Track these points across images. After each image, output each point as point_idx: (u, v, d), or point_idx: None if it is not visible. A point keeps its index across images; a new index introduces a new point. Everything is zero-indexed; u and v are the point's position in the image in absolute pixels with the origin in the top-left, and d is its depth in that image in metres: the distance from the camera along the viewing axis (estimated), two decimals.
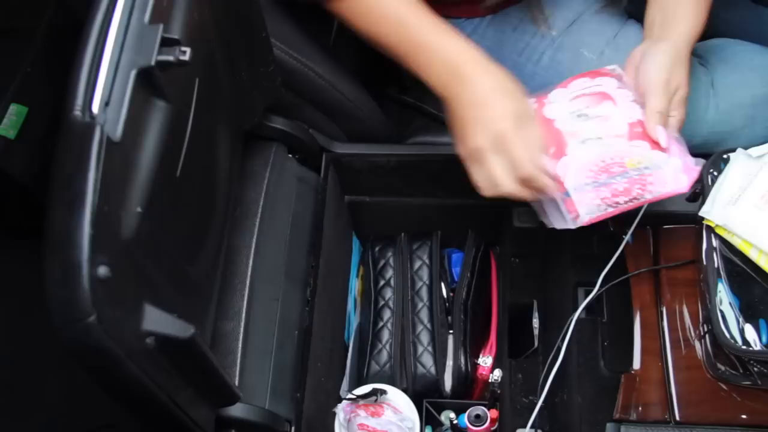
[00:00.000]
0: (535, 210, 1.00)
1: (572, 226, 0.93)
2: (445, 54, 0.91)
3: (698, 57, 1.16)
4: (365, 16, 0.95)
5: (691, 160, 0.93)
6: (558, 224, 0.95)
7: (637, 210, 0.99)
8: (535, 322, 1.11)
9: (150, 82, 0.63)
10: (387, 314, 1.16)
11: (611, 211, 0.91)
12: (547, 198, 0.93)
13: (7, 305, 1.48)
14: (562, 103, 0.94)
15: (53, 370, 1.36)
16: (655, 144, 0.90)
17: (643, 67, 0.94)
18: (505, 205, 1.19)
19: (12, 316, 1.47)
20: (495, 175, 0.90)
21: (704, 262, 0.88)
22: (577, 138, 0.91)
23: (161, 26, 0.63)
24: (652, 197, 0.91)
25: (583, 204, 0.91)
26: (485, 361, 1.14)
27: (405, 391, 1.09)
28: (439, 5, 1.11)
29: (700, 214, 0.90)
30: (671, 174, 0.91)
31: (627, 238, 1.01)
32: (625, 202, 0.91)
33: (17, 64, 1.29)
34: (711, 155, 0.94)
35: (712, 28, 1.29)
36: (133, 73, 0.61)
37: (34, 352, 1.40)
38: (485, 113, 0.89)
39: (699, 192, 0.93)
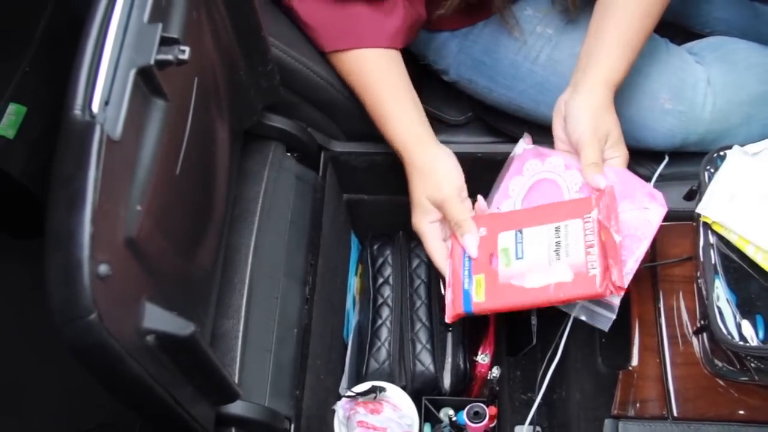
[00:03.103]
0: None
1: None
2: (393, 138, 1.04)
3: (695, 55, 1.16)
4: (346, 77, 1.07)
5: (649, 187, 0.96)
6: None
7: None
8: (534, 320, 1.11)
9: (149, 81, 0.64)
10: (386, 312, 1.16)
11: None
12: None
13: (6, 305, 1.48)
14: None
15: (52, 369, 1.35)
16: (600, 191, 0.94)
17: (569, 121, 0.98)
18: None
19: (11, 316, 1.47)
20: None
21: (701, 259, 0.89)
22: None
23: (160, 25, 0.63)
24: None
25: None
26: (484, 358, 1.14)
27: (404, 388, 1.09)
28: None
29: (697, 210, 0.90)
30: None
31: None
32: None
33: (16, 64, 1.29)
34: (708, 153, 0.94)
35: (709, 27, 1.30)
36: (133, 72, 0.61)
37: (32, 351, 1.40)
38: (412, 210, 1.04)
39: (696, 189, 0.94)
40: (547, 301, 0.90)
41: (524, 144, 1.05)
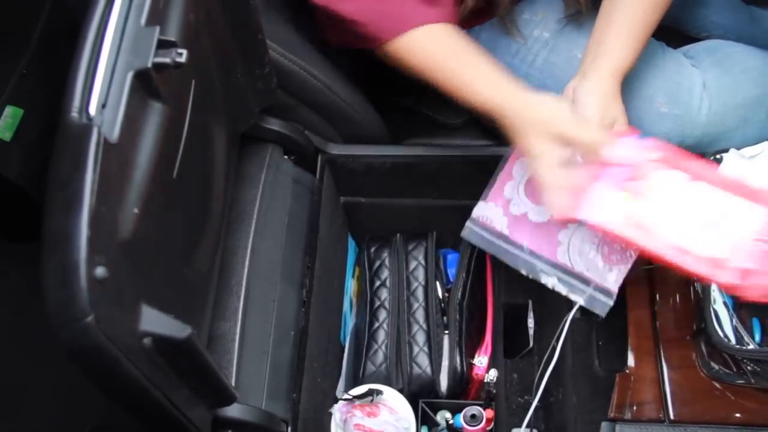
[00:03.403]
0: None
1: None
2: (484, 102, 0.98)
3: (691, 59, 1.16)
4: (407, 64, 1.03)
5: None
6: None
7: None
8: (530, 322, 1.11)
9: (146, 83, 0.64)
10: (383, 315, 1.16)
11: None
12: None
13: (2, 307, 1.48)
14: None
15: (48, 372, 1.35)
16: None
17: (577, 106, 0.97)
18: None
19: (7, 318, 1.47)
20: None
21: None
22: None
23: (157, 28, 0.63)
24: None
25: None
26: (481, 361, 1.14)
27: (401, 391, 1.09)
28: None
29: None
30: None
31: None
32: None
33: (13, 67, 1.29)
34: (704, 156, 0.94)
35: (705, 31, 1.30)
36: (130, 74, 0.61)
37: (28, 355, 1.40)
38: (531, 164, 0.95)
39: None
40: (669, 258, 0.87)
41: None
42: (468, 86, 1.00)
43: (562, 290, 0.98)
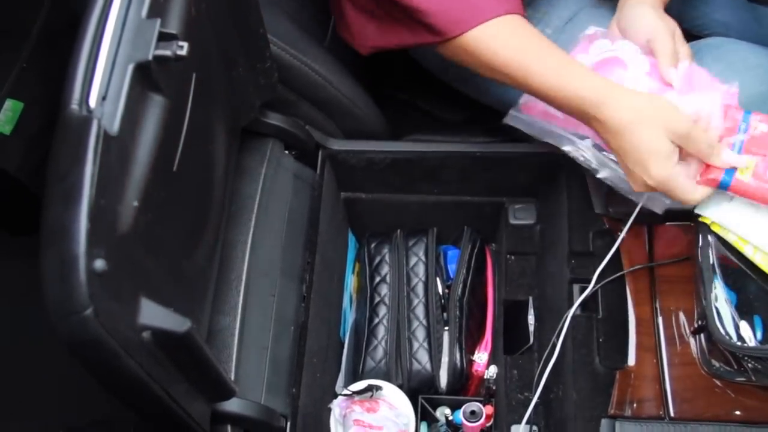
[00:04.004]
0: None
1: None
2: (570, 94, 0.91)
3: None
4: (479, 58, 0.95)
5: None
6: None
7: (632, 207, 0.99)
8: (531, 319, 1.11)
9: (147, 76, 0.63)
10: (383, 310, 1.16)
11: None
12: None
13: (2, 301, 1.48)
14: None
15: (48, 366, 1.35)
16: (668, 85, 0.92)
17: (634, 23, 0.96)
18: (501, 201, 1.20)
19: (7, 312, 1.47)
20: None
21: (699, 259, 0.89)
22: None
23: (158, 21, 0.63)
24: None
25: None
26: (480, 357, 1.14)
27: (400, 387, 1.09)
28: None
29: (696, 211, 0.91)
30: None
31: (622, 235, 1.01)
32: None
33: (13, 60, 1.29)
34: None
35: (707, 29, 1.30)
36: (131, 67, 0.61)
37: (28, 349, 1.40)
38: (642, 161, 0.87)
39: None
40: None
41: (595, 27, 1.02)
42: (554, 78, 0.92)
43: (619, 184, 0.95)
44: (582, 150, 0.96)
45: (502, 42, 0.94)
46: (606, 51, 0.97)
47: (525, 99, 1.02)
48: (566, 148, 0.98)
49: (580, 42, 1.01)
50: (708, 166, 0.89)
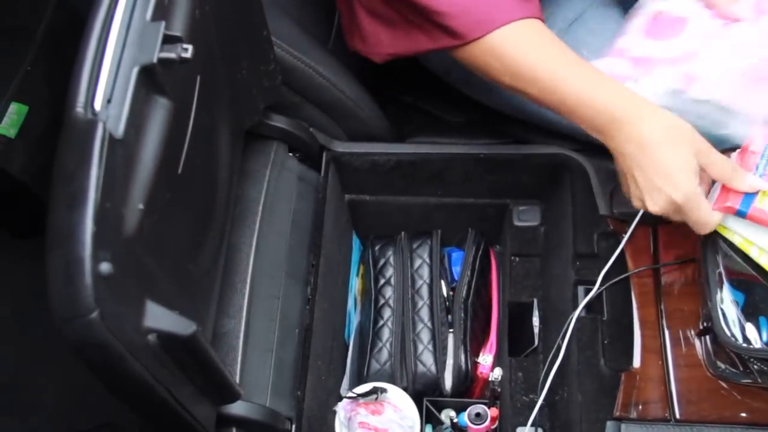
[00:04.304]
0: None
1: None
2: (598, 103, 0.87)
3: None
4: (499, 63, 0.91)
5: None
6: None
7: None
8: (536, 321, 1.11)
9: (152, 79, 0.63)
10: (387, 313, 1.16)
11: None
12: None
13: (7, 304, 1.48)
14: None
15: (53, 369, 1.35)
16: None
17: None
18: (505, 203, 1.20)
19: (11, 316, 1.47)
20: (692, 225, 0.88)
21: (704, 260, 0.88)
22: None
23: (163, 23, 0.63)
24: None
25: None
26: (485, 359, 1.14)
27: (405, 389, 1.09)
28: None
29: None
30: None
31: (626, 236, 1.01)
32: None
33: (17, 63, 1.29)
34: None
35: None
36: (136, 70, 0.61)
37: (33, 352, 1.40)
38: (665, 176, 0.84)
39: None
40: None
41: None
42: (584, 87, 0.88)
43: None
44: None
45: (526, 45, 0.90)
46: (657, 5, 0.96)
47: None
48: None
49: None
50: (725, 192, 0.86)
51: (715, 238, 0.89)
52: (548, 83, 0.89)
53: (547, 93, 0.90)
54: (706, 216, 0.86)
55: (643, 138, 0.85)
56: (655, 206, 0.87)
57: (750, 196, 0.85)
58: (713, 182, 0.89)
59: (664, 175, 0.85)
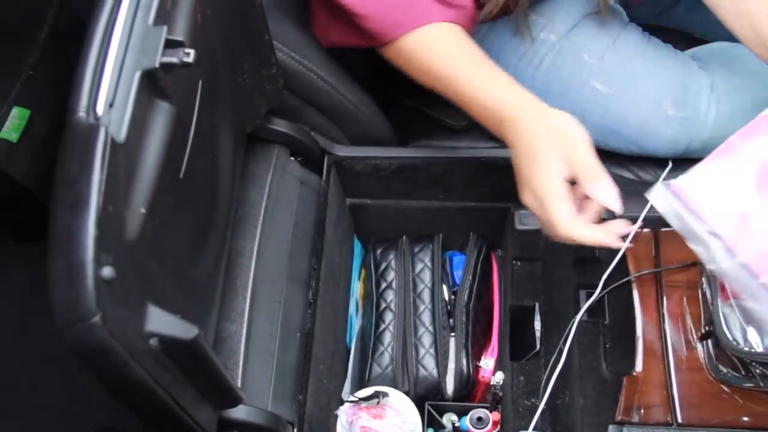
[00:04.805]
0: None
1: None
2: (493, 104, 0.92)
3: (698, 61, 1.16)
4: (410, 61, 0.98)
5: None
6: None
7: (638, 212, 0.99)
8: (537, 325, 1.11)
9: (154, 83, 0.64)
10: (389, 317, 1.16)
11: None
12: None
13: (9, 307, 1.48)
14: None
15: (54, 372, 1.36)
16: None
17: None
18: (506, 207, 1.20)
19: (13, 319, 1.47)
20: (547, 229, 0.89)
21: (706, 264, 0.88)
22: None
23: (165, 28, 0.63)
24: None
25: None
26: (487, 363, 1.14)
27: (407, 393, 1.09)
28: None
29: None
30: None
31: (628, 240, 1.01)
32: None
33: (19, 68, 1.30)
34: None
35: (712, 33, 1.30)
36: (138, 74, 0.61)
37: (35, 355, 1.40)
38: (530, 171, 0.88)
39: None
40: None
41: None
42: (478, 84, 0.94)
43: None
44: (713, 252, 0.82)
45: (433, 49, 0.96)
46: None
47: (683, 182, 0.86)
48: (694, 247, 0.84)
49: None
50: None
51: None
52: (452, 83, 0.95)
53: (452, 93, 0.96)
54: (556, 221, 0.85)
55: (524, 135, 0.89)
56: (524, 198, 0.90)
57: None
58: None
59: (528, 171, 0.88)
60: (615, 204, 0.84)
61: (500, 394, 1.10)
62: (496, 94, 0.92)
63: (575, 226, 0.85)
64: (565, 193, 0.86)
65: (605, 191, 0.85)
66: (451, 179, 1.16)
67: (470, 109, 0.96)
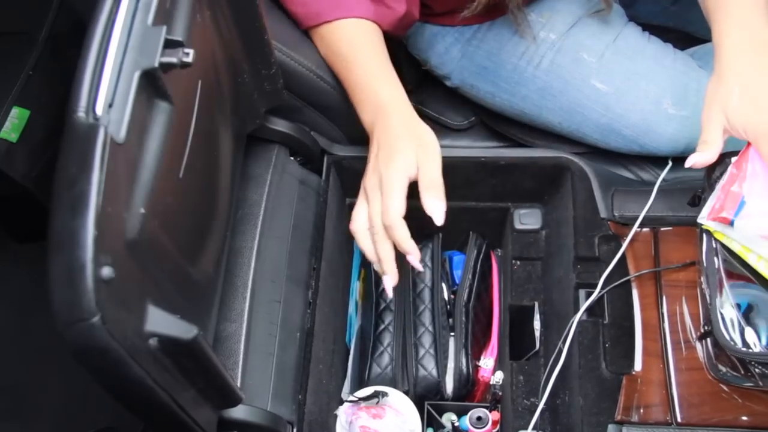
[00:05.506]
0: None
1: None
2: (377, 96, 0.99)
3: (699, 60, 1.16)
4: (325, 48, 1.05)
5: None
6: None
7: (638, 212, 0.99)
8: (537, 324, 1.11)
9: (153, 83, 0.64)
10: (388, 316, 1.16)
11: None
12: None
13: (9, 308, 1.48)
14: None
15: (54, 373, 1.36)
16: None
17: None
18: (506, 207, 1.20)
19: (13, 319, 1.47)
20: (369, 213, 0.97)
21: (704, 264, 0.88)
22: None
23: (164, 28, 0.63)
24: None
25: None
26: (486, 363, 1.14)
27: (406, 393, 1.09)
28: (427, 16, 1.12)
29: (698, 220, 0.90)
30: None
31: (627, 240, 1.01)
32: None
33: (19, 68, 1.30)
34: None
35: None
36: (137, 74, 0.61)
37: (35, 355, 1.40)
38: (386, 160, 0.94)
39: (700, 195, 0.94)
40: None
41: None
42: (365, 78, 1.01)
43: None
44: None
45: (345, 39, 1.03)
46: None
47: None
48: None
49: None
50: (720, 203, 0.86)
51: (714, 241, 0.89)
52: (351, 68, 1.02)
53: (346, 78, 1.04)
54: (388, 207, 0.93)
55: (391, 130, 0.96)
56: (367, 182, 0.97)
57: (740, 206, 0.85)
58: (701, 196, 0.89)
59: (385, 160, 0.94)
60: (439, 217, 0.93)
61: (500, 393, 1.10)
62: (381, 88, 0.99)
63: (400, 221, 0.93)
64: (406, 189, 0.94)
65: (435, 204, 0.93)
66: (451, 179, 1.15)
67: (354, 95, 1.02)
